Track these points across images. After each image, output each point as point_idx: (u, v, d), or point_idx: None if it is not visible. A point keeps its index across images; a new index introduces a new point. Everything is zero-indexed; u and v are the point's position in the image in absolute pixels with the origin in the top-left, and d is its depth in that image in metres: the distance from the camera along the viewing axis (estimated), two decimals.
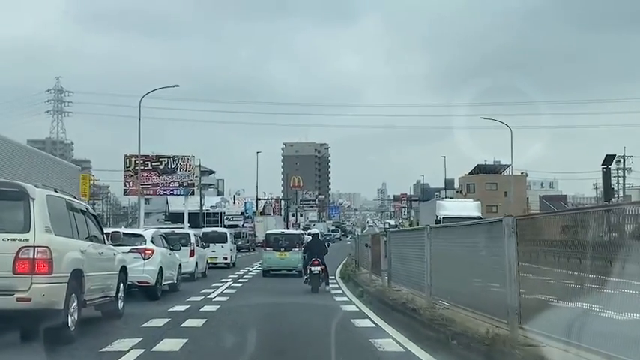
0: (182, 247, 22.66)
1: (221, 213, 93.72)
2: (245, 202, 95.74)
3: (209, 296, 18.28)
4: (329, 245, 32.00)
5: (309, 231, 43.81)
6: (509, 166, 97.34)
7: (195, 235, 27.30)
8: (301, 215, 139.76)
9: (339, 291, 22.02)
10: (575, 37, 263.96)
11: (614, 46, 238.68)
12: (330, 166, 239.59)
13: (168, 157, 61.50)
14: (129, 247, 16.23)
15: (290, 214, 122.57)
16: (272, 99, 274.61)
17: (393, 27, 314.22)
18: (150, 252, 16.93)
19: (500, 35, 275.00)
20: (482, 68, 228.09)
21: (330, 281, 23.18)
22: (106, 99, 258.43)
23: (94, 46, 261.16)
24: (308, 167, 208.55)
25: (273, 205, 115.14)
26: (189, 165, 62.47)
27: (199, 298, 17.38)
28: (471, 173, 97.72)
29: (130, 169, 56.90)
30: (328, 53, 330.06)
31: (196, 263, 25.54)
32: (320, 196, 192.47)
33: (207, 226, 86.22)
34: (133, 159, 57.33)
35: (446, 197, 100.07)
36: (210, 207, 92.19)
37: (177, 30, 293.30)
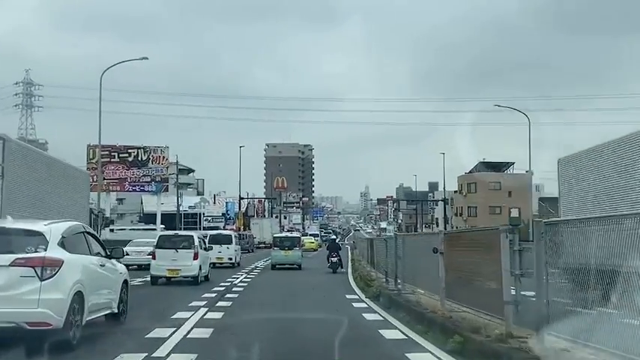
0: (185, 250, 23.70)
1: (200, 214, 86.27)
2: (226, 203, 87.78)
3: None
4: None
5: (331, 237, 49.84)
6: (513, 163, 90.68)
7: (198, 238, 26.25)
8: (285, 217, 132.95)
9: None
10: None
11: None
12: (313, 168, 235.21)
13: (139, 148, 53.72)
14: (10, 257, 9.03)
15: (274, 215, 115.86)
16: (255, 101, 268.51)
17: (376, 30, 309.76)
18: (53, 265, 9.19)
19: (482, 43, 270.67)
20: (467, 72, 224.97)
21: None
22: (80, 93, 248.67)
23: (72, 46, 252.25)
24: (291, 168, 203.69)
25: (256, 206, 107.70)
26: (163, 157, 54.66)
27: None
28: (471, 171, 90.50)
29: (93, 160, 48.83)
30: (312, 55, 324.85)
31: (200, 267, 24.34)
32: (304, 198, 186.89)
33: (184, 228, 79.58)
34: (98, 149, 49.57)
35: (445, 199, 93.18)
36: (189, 207, 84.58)
37: (159, 31, 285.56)
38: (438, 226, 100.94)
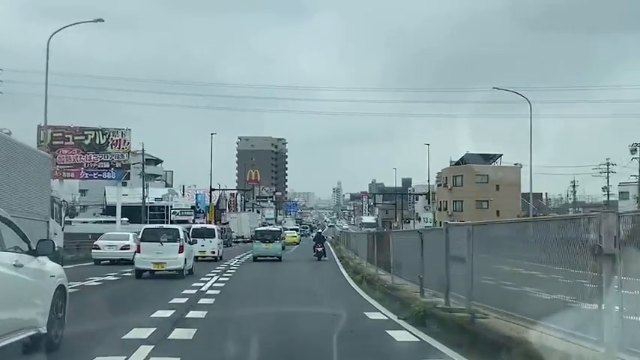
0: (171, 244, 23.78)
1: (168, 206, 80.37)
2: (197, 194, 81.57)
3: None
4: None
5: (317, 230, 56.83)
6: (500, 155, 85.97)
7: (183, 231, 26.33)
8: (258, 212, 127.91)
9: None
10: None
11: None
12: (287, 162, 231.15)
13: (96, 130, 47.60)
14: None
15: (247, 209, 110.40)
16: (228, 94, 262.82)
17: (350, 25, 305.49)
18: None
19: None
20: (440, 68, 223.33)
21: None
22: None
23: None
24: (264, 162, 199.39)
25: (228, 199, 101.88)
26: (124, 141, 48.49)
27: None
28: (457, 163, 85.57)
29: (44, 143, 42.71)
30: (285, 49, 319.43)
31: (185, 260, 24.31)
32: (277, 193, 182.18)
33: (150, 222, 73.96)
34: (49, 130, 43.64)
35: (429, 193, 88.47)
36: (155, 199, 78.65)
37: (130, 22, 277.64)
38: (420, 221, 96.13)
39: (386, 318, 12.35)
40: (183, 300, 15.52)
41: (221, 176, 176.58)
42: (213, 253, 37.56)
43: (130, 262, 29.01)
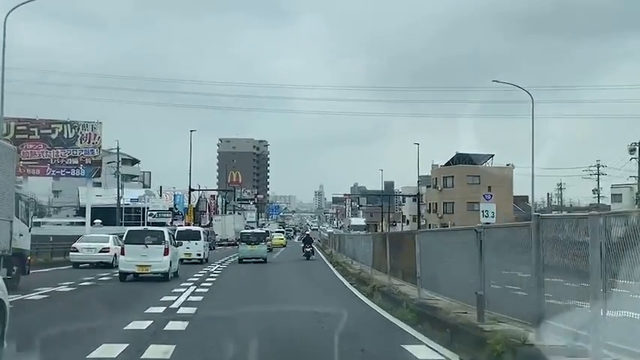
0: (156, 246, 23.39)
1: (144, 208, 76.20)
2: (175, 195, 77.22)
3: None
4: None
5: (306, 232, 56.90)
6: (492, 156, 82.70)
7: (169, 233, 26.02)
8: (239, 214, 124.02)
9: None
10: None
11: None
12: (269, 165, 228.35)
13: (64, 123, 43.42)
14: None
15: (228, 212, 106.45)
16: (209, 97, 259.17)
17: (332, 28, 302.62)
18: None
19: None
20: (421, 73, 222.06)
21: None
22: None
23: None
24: (246, 165, 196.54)
25: (209, 201, 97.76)
26: (95, 135, 44.32)
27: None
28: (448, 164, 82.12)
29: (7, 137, 38.62)
30: (266, 52, 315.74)
31: (170, 262, 23.84)
32: (259, 196, 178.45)
33: (125, 224, 70.15)
34: (12, 123, 39.59)
35: (418, 194, 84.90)
36: (131, 200, 74.50)
37: (108, 22, 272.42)
38: (408, 224, 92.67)
39: (442, 358, 8.54)
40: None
41: (202, 179, 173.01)
42: (199, 255, 37.30)
43: (109, 266, 29.13)
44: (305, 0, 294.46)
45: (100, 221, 65.15)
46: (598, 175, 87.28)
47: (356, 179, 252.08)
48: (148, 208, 77.04)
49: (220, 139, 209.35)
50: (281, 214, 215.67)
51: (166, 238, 24.08)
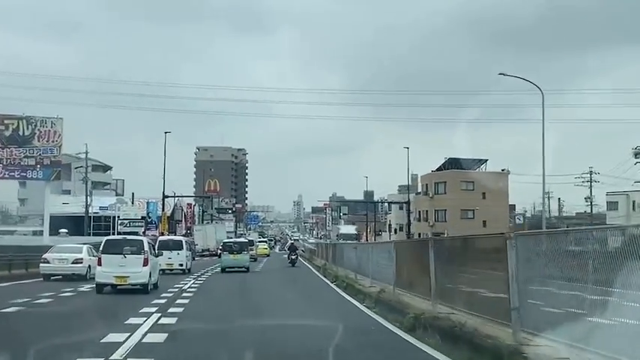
0: (135, 256, 22.60)
1: (115, 217, 71.05)
2: (148, 203, 71.96)
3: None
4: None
5: (290, 241, 60.83)
6: (486, 161, 78.48)
7: (149, 243, 24.91)
8: (220, 223, 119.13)
9: None
10: None
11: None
12: (247, 174, 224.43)
13: (20, 119, 38.31)
14: None
15: (205, 221, 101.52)
16: (186, 106, 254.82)
17: (309, 40, 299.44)
18: None
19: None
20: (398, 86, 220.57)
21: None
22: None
23: None
24: (224, 173, 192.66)
25: (185, 210, 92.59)
26: (54, 132, 39.20)
27: None
28: (439, 169, 77.71)
29: None
30: (243, 63, 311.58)
31: (150, 273, 22.87)
32: (237, 205, 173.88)
33: (94, 234, 65.15)
34: None
35: (408, 201, 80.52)
36: (100, 208, 69.35)
37: (83, 30, 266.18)
38: (395, 232, 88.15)
39: None
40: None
41: (179, 188, 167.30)
42: (181, 265, 36.71)
43: (82, 278, 27.83)
44: (283, 13, 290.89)
45: (65, 230, 60.13)
46: (590, 182, 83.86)
47: (334, 189, 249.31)
48: (118, 216, 71.89)
49: (198, 148, 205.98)
50: (260, 224, 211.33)
51: (146, 247, 23.18)
